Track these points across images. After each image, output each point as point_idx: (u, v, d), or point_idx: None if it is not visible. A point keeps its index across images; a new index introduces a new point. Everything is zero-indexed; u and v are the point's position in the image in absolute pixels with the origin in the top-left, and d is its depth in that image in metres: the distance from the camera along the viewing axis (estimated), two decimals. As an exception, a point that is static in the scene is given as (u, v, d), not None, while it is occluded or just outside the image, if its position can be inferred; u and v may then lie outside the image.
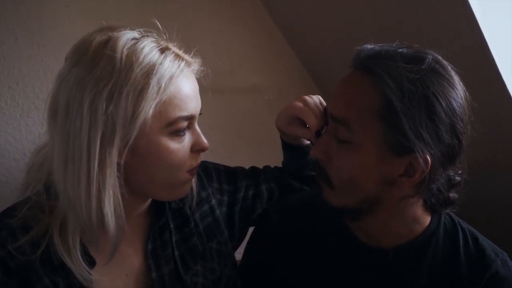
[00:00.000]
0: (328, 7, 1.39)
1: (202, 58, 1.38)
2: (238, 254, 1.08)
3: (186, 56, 0.82)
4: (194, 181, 0.93)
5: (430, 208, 0.90)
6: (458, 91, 0.80)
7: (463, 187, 0.89)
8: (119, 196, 0.76)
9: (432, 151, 0.77)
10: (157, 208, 0.92)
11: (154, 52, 0.77)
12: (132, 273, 0.88)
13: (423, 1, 1.18)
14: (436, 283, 0.88)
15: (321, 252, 0.95)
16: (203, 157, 1.08)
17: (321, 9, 1.41)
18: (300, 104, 0.95)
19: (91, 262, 0.80)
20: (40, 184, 0.82)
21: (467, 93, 0.82)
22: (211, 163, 1.05)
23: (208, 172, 1.02)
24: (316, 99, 0.97)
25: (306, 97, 0.97)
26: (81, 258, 0.77)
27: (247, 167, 1.12)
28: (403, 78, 0.75)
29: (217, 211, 1.00)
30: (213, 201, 1.00)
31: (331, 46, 1.51)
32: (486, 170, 1.36)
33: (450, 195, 0.88)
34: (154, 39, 0.80)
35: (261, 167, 1.13)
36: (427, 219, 0.90)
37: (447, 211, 0.93)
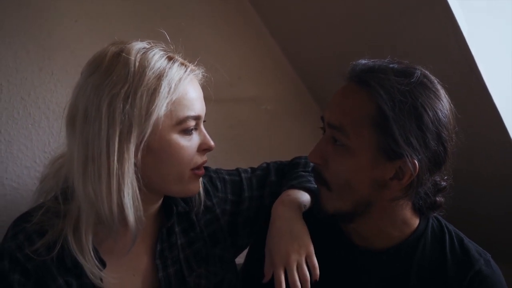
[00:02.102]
0: (323, 23, 1.44)
1: (203, 69, 1.44)
2: (239, 258, 1.12)
3: (191, 64, 0.90)
4: (202, 187, 0.99)
5: (419, 211, 0.96)
6: (444, 103, 0.86)
7: (449, 192, 0.95)
8: (137, 190, 0.82)
9: (419, 157, 0.83)
10: (166, 211, 0.98)
11: (163, 59, 0.85)
12: (139, 273, 0.93)
13: (412, 19, 1.24)
14: (425, 281, 0.94)
15: (320, 256, 0.98)
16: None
17: (317, 25, 1.47)
18: (281, 278, 0.89)
19: (102, 263, 0.86)
20: (56, 189, 0.88)
21: (452, 105, 0.88)
22: (215, 172, 1.09)
23: (213, 182, 1.07)
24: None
25: (293, 275, 0.89)
26: (93, 256, 0.83)
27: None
28: (394, 89, 0.82)
29: (221, 220, 1.04)
30: (218, 210, 1.04)
31: (325, 58, 1.56)
32: (469, 181, 1.43)
33: (437, 199, 0.94)
34: (162, 48, 0.88)
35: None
36: (415, 222, 0.96)
37: (435, 214, 0.98)
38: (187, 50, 1.39)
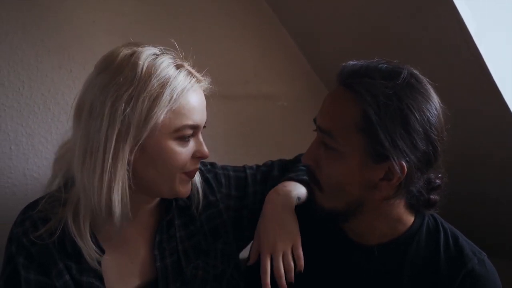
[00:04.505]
0: (339, 17, 1.45)
1: (219, 68, 1.48)
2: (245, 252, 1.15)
3: (198, 74, 0.92)
4: (200, 185, 1.03)
5: (413, 209, 0.96)
6: (433, 103, 0.86)
7: (444, 190, 0.95)
8: (127, 187, 0.86)
9: (407, 158, 0.84)
10: (165, 206, 1.02)
11: (170, 68, 0.88)
12: (138, 262, 0.97)
13: (420, 18, 1.24)
14: (417, 278, 0.94)
15: (316, 250, 1.01)
16: (218, 159, 1.16)
17: (333, 20, 1.48)
18: (266, 264, 0.93)
19: (100, 250, 0.91)
20: (61, 175, 0.93)
21: (441, 104, 0.88)
22: (222, 168, 1.12)
23: (218, 178, 1.10)
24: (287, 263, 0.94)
25: (278, 262, 0.92)
26: (91, 241, 0.88)
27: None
28: (379, 93, 0.82)
29: (225, 215, 1.07)
30: (221, 206, 1.07)
31: (343, 54, 1.54)
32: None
33: (431, 197, 0.94)
34: (172, 56, 0.91)
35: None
36: (410, 220, 0.97)
37: (431, 213, 0.99)
38: (203, 49, 1.43)
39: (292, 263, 0.92)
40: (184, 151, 0.90)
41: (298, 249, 0.94)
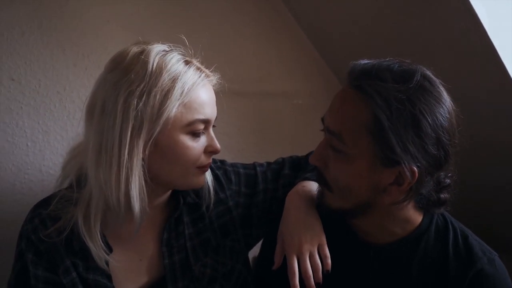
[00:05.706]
0: (353, 13, 1.45)
1: (233, 66, 1.47)
2: (256, 248, 1.16)
3: (206, 70, 0.94)
4: (211, 183, 1.03)
5: (422, 208, 0.95)
6: (445, 106, 0.84)
7: (454, 188, 0.93)
8: (143, 182, 0.88)
9: (418, 164, 0.82)
10: (174, 203, 1.02)
11: (180, 63, 0.89)
12: (146, 259, 0.98)
13: (432, 14, 1.23)
14: (426, 276, 0.94)
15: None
16: (231, 156, 1.16)
17: (348, 17, 1.47)
18: (294, 265, 0.92)
19: (108, 248, 0.92)
20: (72, 175, 0.95)
21: (453, 106, 0.85)
22: (231, 166, 1.13)
23: (227, 175, 1.10)
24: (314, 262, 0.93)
25: (306, 263, 0.92)
26: (100, 241, 0.89)
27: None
28: (391, 97, 0.80)
29: (234, 212, 1.08)
30: (230, 203, 1.08)
31: (358, 51, 1.53)
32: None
33: (441, 196, 0.92)
34: (181, 52, 0.92)
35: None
36: (418, 219, 0.95)
37: (441, 211, 0.97)
38: (217, 47, 1.43)
39: (319, 263, 0.92)
40: (196, 146, 0.91)
41: (324, 248, 0.93)
